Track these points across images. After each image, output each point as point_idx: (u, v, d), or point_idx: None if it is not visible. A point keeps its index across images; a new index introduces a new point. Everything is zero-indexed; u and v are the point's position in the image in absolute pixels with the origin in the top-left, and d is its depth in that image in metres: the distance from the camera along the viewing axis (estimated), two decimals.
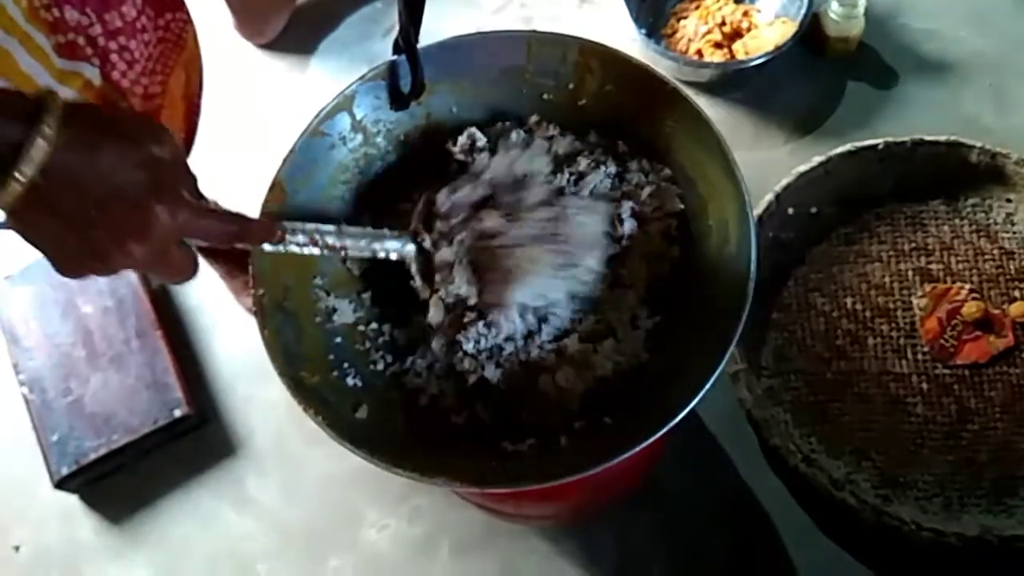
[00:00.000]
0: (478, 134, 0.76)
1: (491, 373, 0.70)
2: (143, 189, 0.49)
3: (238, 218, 0.56)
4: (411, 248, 0.70)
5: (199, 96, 0.89)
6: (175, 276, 0.55)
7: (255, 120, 1.34)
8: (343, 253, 0.66)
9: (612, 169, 0.76)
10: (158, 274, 0.54)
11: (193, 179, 0.55)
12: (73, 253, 0.50)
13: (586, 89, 0.76)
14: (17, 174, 0.45)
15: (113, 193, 0.48)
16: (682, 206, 0.75)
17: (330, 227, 0.64)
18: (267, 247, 0.60)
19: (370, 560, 1.07)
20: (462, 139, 0.76)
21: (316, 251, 0.63)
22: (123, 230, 0.49)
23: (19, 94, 0.48)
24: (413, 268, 0.70)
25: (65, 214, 0.48)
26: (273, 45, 1.41)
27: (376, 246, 0.67)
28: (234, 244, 0.57)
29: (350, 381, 0.70)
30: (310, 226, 0.63)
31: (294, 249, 0.62)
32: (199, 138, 0.92)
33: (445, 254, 0.70)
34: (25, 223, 0.48)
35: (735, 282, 0.67)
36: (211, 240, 0.55)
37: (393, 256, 0.69)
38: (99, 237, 0.49)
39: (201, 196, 0.59)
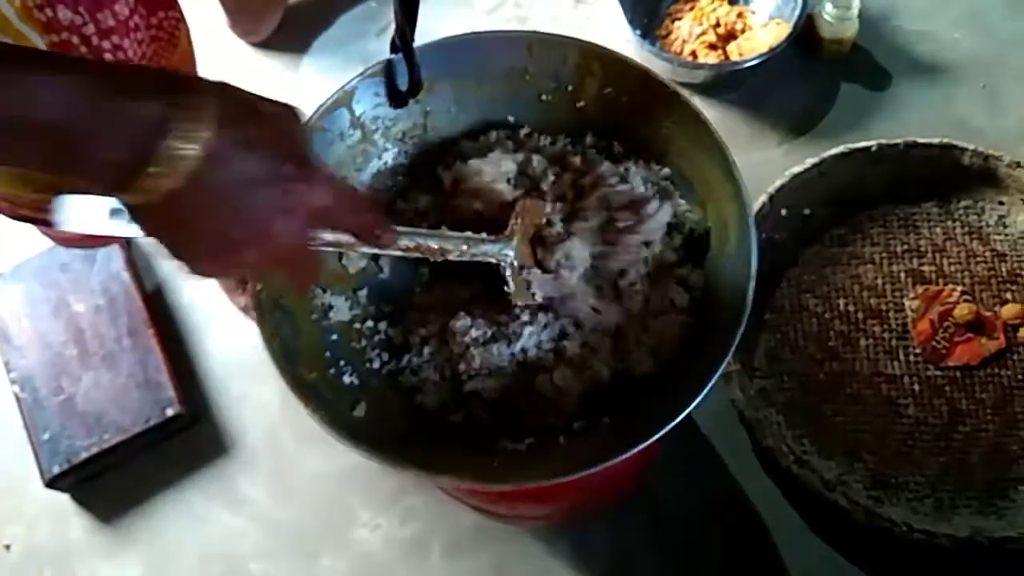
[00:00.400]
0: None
1: (484, 383, 0.71)
2: (302, 162, 0.47)
3: (370, 204, 0.56)
4: (510, 252, 0.69)
5: None
6: (308, 276, 0.54)
7: None
8: (442, 257, 0.65)
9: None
10: (292, 270, 0.53)
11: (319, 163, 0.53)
12: (224, 242, 0.46)
13: (586, 91, 0.77)
14: (172, 163, 0.42)
15: (275, 168, 0.46)
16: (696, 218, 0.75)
17: (431, 232, 0.65)
18: (375, 249, 0.60)
19: (362, 560, 1.07)
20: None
21: (416, 255, 0.63)
22: (272, 213, 0.46)
23: (163, 74, 0.45)
24: (508, 273, 0.69)
25: (222, 198, 0.44)
26: (266, 44, 1.41)
27: (475, 250, 0.67)
28: (357, 240, 0.56)
29: (347, 379, 0.70)
30: (415, 231, 0.63)
31: (395, 253, 0.62)
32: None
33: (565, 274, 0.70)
34: (171, 215, 0.45)
35: (735, 283, 0.67)
36: (345, 226, 0.54)
37: (492, 260, 0.68)
38: (255, 218, 0.46)
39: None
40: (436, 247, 0.64)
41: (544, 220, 0.71)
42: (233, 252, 0.47)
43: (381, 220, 0.58)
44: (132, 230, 0.47)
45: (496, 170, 0.74)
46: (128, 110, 0.42)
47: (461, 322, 0.70)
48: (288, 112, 0.48)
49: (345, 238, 0.56)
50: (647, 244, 0.73)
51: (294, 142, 0.48)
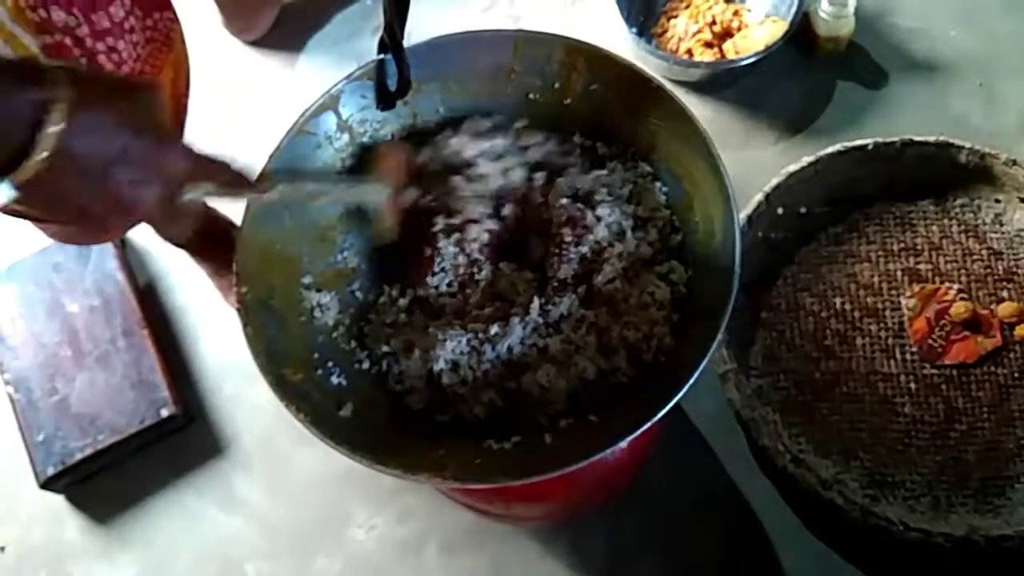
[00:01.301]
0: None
1: (468, 388, 0.71)
2: (154, 136, 0.51)
3: (226, 164, 0.59)
4: (386, 192, 0.71)
5: (186, 95, 0.89)
6: (182, 226, 0.57)
7: (243, 117, 1.33)
8: (320, 199, 0.68)
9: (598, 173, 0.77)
10: (166, 225, 0.57)
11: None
12: (89, 214, 0.51)
13: (572, 88, 0.76)
14: (39, 147, 0.46)
15: (126, 145, 0.50)
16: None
17: (305, 172, 0.67)
18: (254, 194, 0.62)
19: (357, 560, 1.07)
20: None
21: (297, 197, 0.66)
22: (139, 179, 0.51)
23: (24, 65, 0.50)
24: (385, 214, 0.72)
25: (82, 175, 0.49)
26: (261, 42, 1.40)
27: (354, 191, 0.70)
28: (228, 187, 0.59)
29: (334, 380, 0.70)
30: (294, 174, 0.66)
31: (274, 196, 0.64)
32: (186, 137, 0.91)
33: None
34: (41, 193, 0.49)
35: (721, 276, 0.67)
36: (211, 182, 0.57)
37: (371, 202, 0.71)
38: (114, 192, 0.50)
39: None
40: (314, 189, 0.67)
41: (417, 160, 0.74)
42: (98, 222, 0.52)
43: (243, 174, 0.61)
44: None
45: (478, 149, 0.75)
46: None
47: (438, 348, 0.71)
48: (144, 89, 0.53)
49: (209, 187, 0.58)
50: (608, 245, 0.73)
51: (149, 116, 0.52)
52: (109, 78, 0.53)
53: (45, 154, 0.47)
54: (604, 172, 0.77)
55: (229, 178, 0.59)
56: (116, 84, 0.52)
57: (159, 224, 0.55)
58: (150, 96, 0.53)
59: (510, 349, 0.71)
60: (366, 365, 0.73)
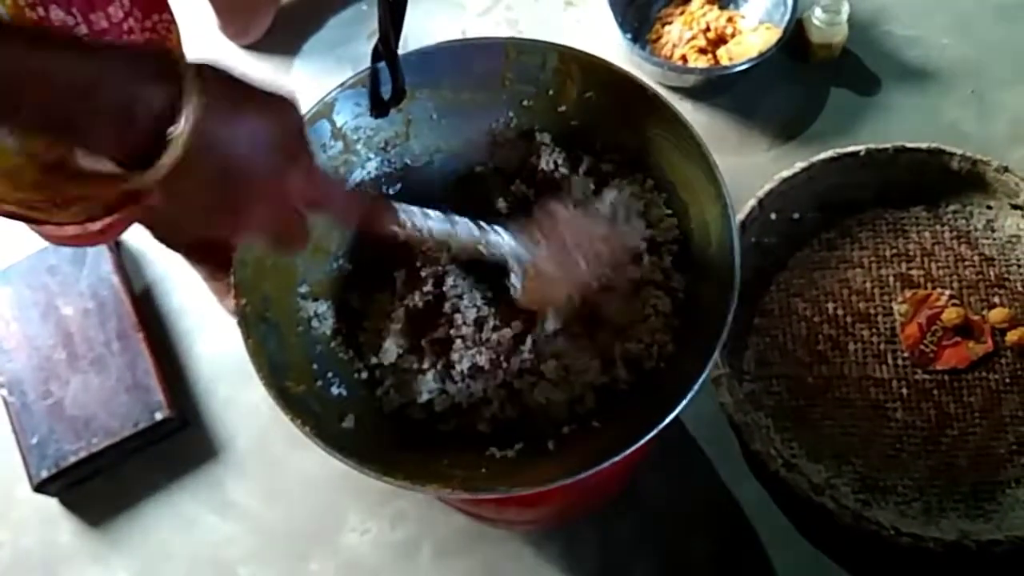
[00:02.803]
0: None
1: (483, 414, 0.71)
2: (281, 155, 0.50)
3: (364, 195, 0.59)
4: (520, 250, 0.67)
5: None
6: (295, 244, 0.55)
7: None
8: (449, 246, 0.65)
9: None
10: (278, 241, 0.55)
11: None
12: (204, 215, 0.50)
13: (566, 95, 0.77)
14: (169, 149, 0.45)
15: (253, 159, 0.48)
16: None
17: (439, 215, 0.63)
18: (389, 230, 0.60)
19: (351, 564, 1.07)
20: None
21: (426, 239, 0.63)
22: (258, 195, 0.49)
23: (160, 54, 0.49)
24: (516, 267, 0.67)
25: (205, 180, 0.47)
26: (257, 46, 1.40)
27: (483, 238, 0.65)
28: (356, 222, 0.59)
29: (335, 390, 0.70)
30: (421, 213, 0.61)
31: (403, 233, 0.61)
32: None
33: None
34: (168, 189, 0.47)
35: (719, 284, 0.67)
36: (335, 212, 0.57)
37: (499, 252, 0.66)
38: (234, 201, 0.49)
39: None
40: (442, 231, 0.62)
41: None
42: (229, 222, 0.50)
43: (378, 205, 0.60)
44: None
45: None
46: (138, 99, 0.44)
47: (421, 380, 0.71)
48: (278, 102, 0.51)
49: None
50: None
51: (281, 131, 0.50)
52: (243, 84, 0.51)
53: (171, 157, 0.45)
54: (615, 192, 0.76)
55: (358, 207, 0.58)
56: (249, 92, 0.51)
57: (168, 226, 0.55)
58: (285, 111, 0.51)
59: (511, 371, 0.71)
60: (365, 375, 0.73)
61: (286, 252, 0.62)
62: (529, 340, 0.71)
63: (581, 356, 0.71)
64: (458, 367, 0.71)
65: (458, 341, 0.72)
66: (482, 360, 0.71)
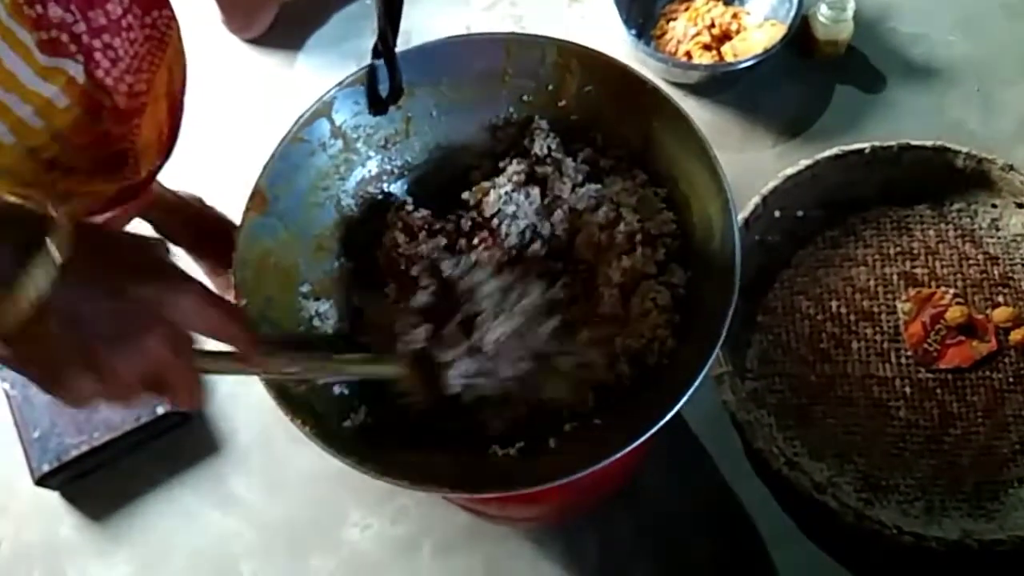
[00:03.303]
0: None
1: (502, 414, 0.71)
2: (145, 315, 0.49)
3: (239, 340, 0.56)
4: (402, 372, 0.69)
5: (182, 93, 0.89)
6: (183, 399, 0.53)
7: (241, 116, 1.33)
8: (334, 379, 0.68)
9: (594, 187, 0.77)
10: (167, 397, 0.53)
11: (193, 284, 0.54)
12: (78, 372, 0.48)
13: (566, 90, 0.76)
14: (18, 297, 0.44)
15: (114, 321, 0.48)
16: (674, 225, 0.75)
17: (319, 358, 0.65)
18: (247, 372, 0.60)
19: (352, 559, 1.07)
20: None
21: (306, 380, 0.65)
22: (126, 334, 0.48)
23: (23, 212, 0.47)
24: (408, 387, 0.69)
25: (67, 336, 0.47)
26: (260, 40, 1.40)
27: (368, 370, 0.69)
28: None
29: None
30: (303, 362, 0.63)
31: (275, 375, 0.63)
32: (182, 135, 0.92)
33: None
34: (19, 348, 0.47)
35: (720, 279, 0.67)
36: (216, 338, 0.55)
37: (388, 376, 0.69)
38: (96, 363, 0.48)
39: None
40: (329, 377, 0.66)
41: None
42: (99, 376, 0.48)
43: (250, 336, 0.57)
44: None
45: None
46: None
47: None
48: (148, 243, 0.52)
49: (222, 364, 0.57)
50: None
51: (153, 267, 0.51)
52: (111, 233, 0.51)
53: (26, 302, 0.44)
54: (597, 186, 0.77)
55: (234, 338, 0.55)
56: (121, 237, 0.51)
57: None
58: (155, 249, 0.52)
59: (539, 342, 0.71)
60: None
61: (182, 407, 0.58)
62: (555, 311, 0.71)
63: (589, 352, 0.71)
64: (487, 338, 0.70)
65: (481, 316, 0.71)
66: (509, 328, 0.71)
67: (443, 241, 0.76)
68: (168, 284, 0.51)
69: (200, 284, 0.53)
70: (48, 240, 0.45)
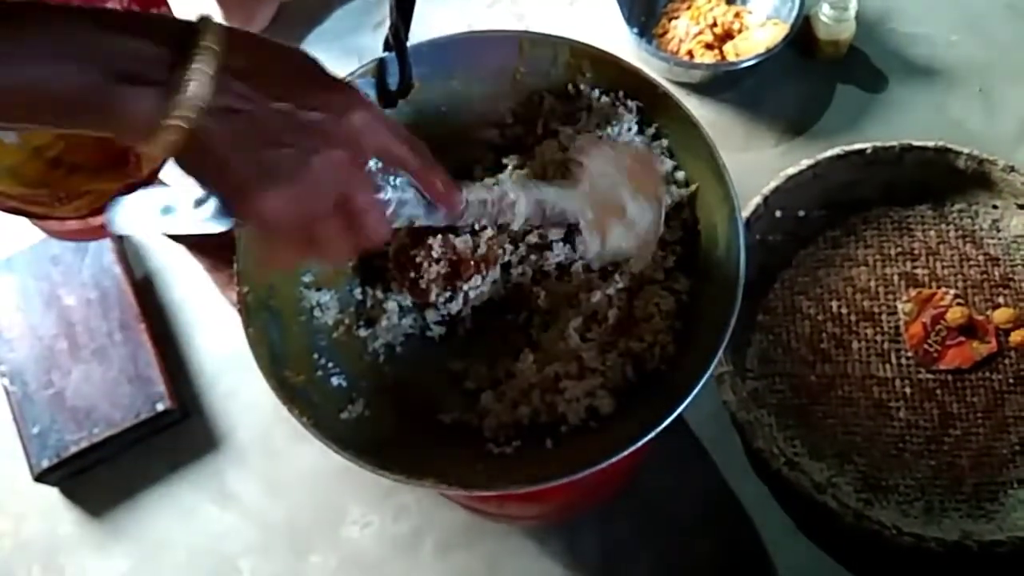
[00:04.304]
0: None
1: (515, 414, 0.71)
2: (326, 124, 0.45)
3: (408, 161, 0.52)
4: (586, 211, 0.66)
5: None
6: (370, 228, 0.49)
7: None
8: (511, 221, 0.63)
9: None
10: (350, 231, 0.49)
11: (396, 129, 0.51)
12: (255, 180, 0.45)
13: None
14: (181, 100, 0.41)
15: (291, 129, 0.44)
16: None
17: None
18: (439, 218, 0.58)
19: (352, 557, 1.07)
20: None
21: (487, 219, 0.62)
22: (312, 146, 0.45)
23: (169, 18, 0.45)
24: (581, 222, 0.66)
25: (238, 140, 0.44)
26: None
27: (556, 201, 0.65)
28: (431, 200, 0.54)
29: (335, 381, 0.70)
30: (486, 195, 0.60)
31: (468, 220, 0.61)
32: None
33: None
34: (193, 158, 0.45)
35: (724, 286, 0.67)
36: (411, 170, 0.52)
37: (559, 210, 0.65)
38: (277, 173, 0.44)
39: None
40: (511, 199, 0.61)
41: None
42: (275, 184, 0.45)
43: (439, 168, 0.54)
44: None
45: None
46: (139, 72, 0.42)
47: None
48: (306, 54, 0.47)
49: (409, 208, 0.54)
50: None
51: (319, 76, 0.47)
52: (258, 36, 0.47)
53: (191, 105, 0.42)
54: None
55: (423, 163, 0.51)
56: (268, 42, 0.47)
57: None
58: (303, 56, 0.47)
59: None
60: (368, 365, 0.73)
61: (356, 248, 0.52)
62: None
63: (601, 356, 0.71)
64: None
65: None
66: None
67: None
68: (341, 95, 0.47)
69: (370, 101, 0.49)
70: (203, 39, 0.42)
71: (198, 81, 0.42)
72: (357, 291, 0.76)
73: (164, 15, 0.44)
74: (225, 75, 0.42)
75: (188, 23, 0.44)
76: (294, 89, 0.45)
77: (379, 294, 0.75)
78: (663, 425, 0.61)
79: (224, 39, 0.43)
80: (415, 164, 0.52)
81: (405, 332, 0.75)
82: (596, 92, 0.75)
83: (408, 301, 0.74)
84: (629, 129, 0.73)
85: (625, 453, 0.60)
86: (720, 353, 0.63)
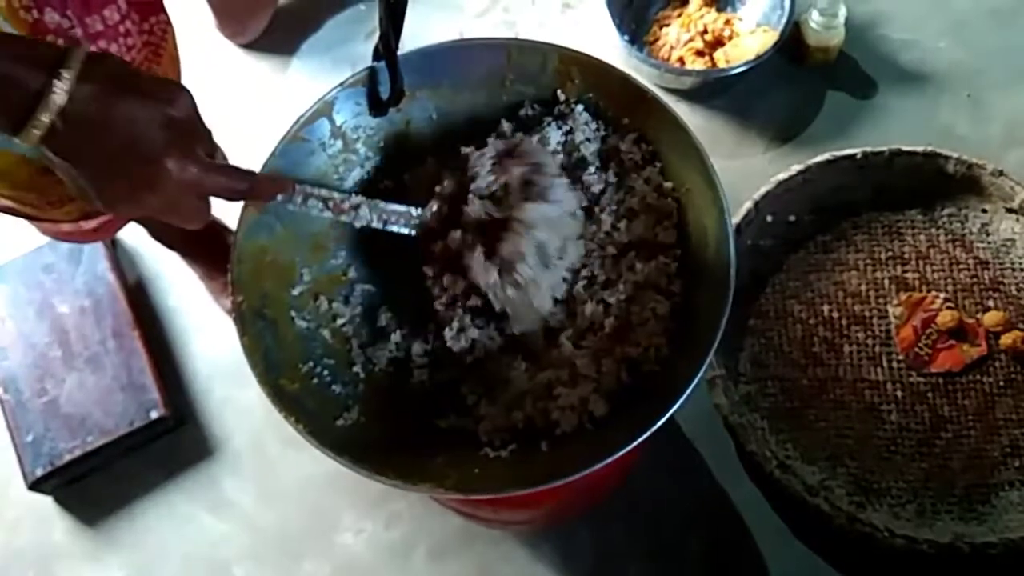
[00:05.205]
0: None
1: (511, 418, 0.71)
2: (156, 145, 0.53)
3: (248, 175, 0.60)
4: (418, 221, 0.69)
5: None
6: (187, 223, 0.58)
7: (235, 121, 1.33)
8: (351, 217, 0.67)
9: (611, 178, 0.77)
10: (171, 221, 0.58)
11: (208, 135, 0.60)
12: (101, 190, 0.54)
13: (567, 97, 0.77)
14: (36, 119, 0.49)
15: (127, 146, 0.52)
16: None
17: (342, 192, 0.66)
18: (279, 199, 0.63)
19: (346, 564, 1.07)
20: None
21: (327, 214, 0.65)
22: (137, 181, 0.53)
23: (45, 44, 0.52)
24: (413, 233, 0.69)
25: (83, 159, 0.52)
26: (254, 45, 1.41)
27: (384, 215, 0.68)
28: (245, 199, 0.61)
29: (331, 388, 0.70)
30: (322, 189, 0.65)
31: (297, 207, 0.64)
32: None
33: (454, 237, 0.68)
34: (53, 157, 0.52)
35: (714, 288, 0.67)
36: (222, 196, 0.59)
37: (400, 229, 0.69)
38: (117, 184, 0.53)
39: (215, 149, 0.63)
40: (346, 206, 0.66)
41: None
42: (116, 203, 0.54)
43: (262, 181, 0.62)
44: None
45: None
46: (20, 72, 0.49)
47: None
48: (167, 91, 0.54)
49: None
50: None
51: (166, 120, 0.53)
52: (132, 71, 0.55)
53: (41, 125, 0.49)
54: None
55: (241, 189, 0.60)
56: (136, 79, 0.54)
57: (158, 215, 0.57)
58: (175, 96, 0.54)
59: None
60: (361, 372, 0.73)
61: (186, 227, 0.62)
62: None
63: (595, 363, 0.71)
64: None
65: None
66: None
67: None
68: (169, 98, 0.54)
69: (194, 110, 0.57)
70: (67, 65, 0.50)
71: (59, 92, 0.50)
72: (353, 299, 0.76)
73: (47, 42, 0.55)
74: (82, 87, 0.50)
75: (64, 49, 0.51)
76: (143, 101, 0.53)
77: (384, 319, 0.76)
78: (656, 426, 0.61)
79: (85, 61, 0.51)
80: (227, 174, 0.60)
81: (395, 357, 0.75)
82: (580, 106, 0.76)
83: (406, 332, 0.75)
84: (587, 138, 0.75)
85: (618, 455, 0.61)
86: (711, 354, 0.64)
